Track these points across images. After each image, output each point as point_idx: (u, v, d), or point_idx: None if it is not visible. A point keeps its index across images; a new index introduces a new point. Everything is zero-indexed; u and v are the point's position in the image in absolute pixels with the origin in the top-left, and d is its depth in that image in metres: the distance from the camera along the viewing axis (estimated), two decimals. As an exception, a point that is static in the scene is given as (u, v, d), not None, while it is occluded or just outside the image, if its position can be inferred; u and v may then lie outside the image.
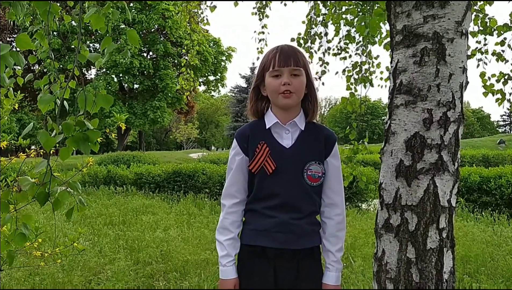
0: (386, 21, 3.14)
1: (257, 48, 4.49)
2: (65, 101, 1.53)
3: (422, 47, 1.35)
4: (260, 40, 4.45)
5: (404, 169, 1.36)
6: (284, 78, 1.58)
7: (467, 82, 1.39)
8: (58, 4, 1.67)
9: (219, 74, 33.30)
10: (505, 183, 6.66)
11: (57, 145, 1.37)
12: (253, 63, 42.92)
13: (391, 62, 1.48)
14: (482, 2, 3.43)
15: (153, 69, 28.38)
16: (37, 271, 3.79)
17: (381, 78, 3.81)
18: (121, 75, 28.09)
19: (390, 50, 1.53)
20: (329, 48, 3.88)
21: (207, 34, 28.09)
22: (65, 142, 1.35)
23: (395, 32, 1.44)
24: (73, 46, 2.32)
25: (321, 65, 3.91)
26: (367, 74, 3.60)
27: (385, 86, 3.85)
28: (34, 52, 2.23)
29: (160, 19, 27.08)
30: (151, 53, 30.34)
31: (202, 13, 4.68)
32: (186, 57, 4.98)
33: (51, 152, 1.38)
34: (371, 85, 3.60)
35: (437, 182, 1.32)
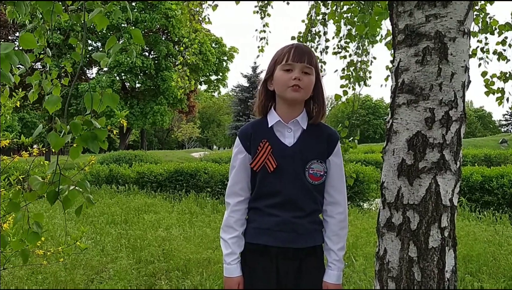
0: (386, 20, 3.14)
1: (258, 47, 4.49)
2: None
3: (424, 46, 1.35)
4: (261, 39, 4.45)
5: (406, 168, 1.36)
6: (295, 73, 1.59)
7: (469, 81, 1.40)
8: (61, 4, 1.67)
9: (220, 74, 33.30)
10: (507, 183, 6.64)
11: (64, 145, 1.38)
12: (255, 62, 42.94)
13: (393, 61, 1.49)
14: (483, 2, 3.43)
15: (155, 69, 28.38)
16: (40, 270, 3.80)
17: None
18: (123, 74, 28.10)
19: (392, 49, 1.53)
20: (326, 48, 3.88)
21: (208, 34, 28.09)
22: (73, 141, 1.36)
23: (397, 31, 1.44)
24: (74, 45, 2.33)
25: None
26: (362, 74, 3.60)
27: (385, 85, 3.85)
28: (32, 50, 2.23)
29: (162, 19, 27.07)
30: (153, 53, 30.34)
31: (203, 12, 4.69)
32: (185, 55, 4.97)
33: (58, 151, 1.39)
34: (366, 84, 3.60)
35: (439, 181, 1.33)
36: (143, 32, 27.48)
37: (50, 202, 1.39)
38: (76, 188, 1.44)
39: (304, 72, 1.60)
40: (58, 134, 1.32)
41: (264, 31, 4.43)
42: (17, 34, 23.77)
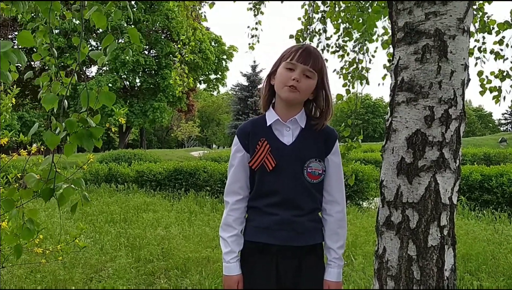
0: (384, 19, 3.13)
1: (249, 44, 4.46)
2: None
3: (424, 44, 1.34)
4: (252, 36, 4.43)
5: (405, 166, 1.36)
6: (295, 74, 1.58)
7: (469, 79, 1.39)
8: (61, 3, 1.67)
9: (219, 73, 33.30)
10: (507, 182, 6.65)
11: (60, 142, 1.38)
12: (255, 61, 42.90)
13: (392, 59, 1.48)
14: (481, 1, 3.42)
15: (156, 66, 28.45)
16: (38, 268, 3.80)
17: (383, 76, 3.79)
18: (122, 73, 28.12)
19: (390, 48, 1.53)
20: (328, 46, 3.86)
21: (207, 32, 28.10)
22: (68, 139, 1.36)
23: (397, 29, 1.44)
24: (75, 44, 2.32)
25: None
26: (364, 72, 3.59)
27: (383, 84, 3.84)
28: (36, 49, 2.23)
29: (165, 20, 27.16)
30: (153, 51, 30.34)
31: (199, 9, 4.67)
32: (183, 53, 4.96)
33: (54, 149, 1.38)
34: (367, 83, 3.58)
35: (438, 179, 1.32)
36: (143, 31, 27.54)
37: (45, 199, 1.39)
38: (72, 186, 1.44)
39: (305, 75, 1.59)
40: (53, 132, 1.32)
41: (256, 29, 4.40)
42: (16, 33, 23.76)
